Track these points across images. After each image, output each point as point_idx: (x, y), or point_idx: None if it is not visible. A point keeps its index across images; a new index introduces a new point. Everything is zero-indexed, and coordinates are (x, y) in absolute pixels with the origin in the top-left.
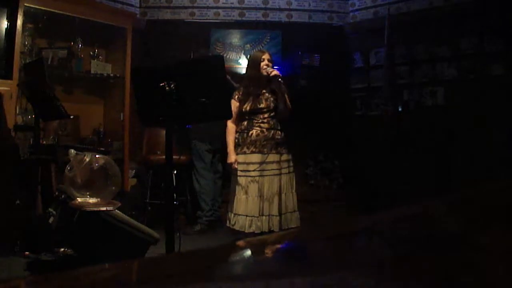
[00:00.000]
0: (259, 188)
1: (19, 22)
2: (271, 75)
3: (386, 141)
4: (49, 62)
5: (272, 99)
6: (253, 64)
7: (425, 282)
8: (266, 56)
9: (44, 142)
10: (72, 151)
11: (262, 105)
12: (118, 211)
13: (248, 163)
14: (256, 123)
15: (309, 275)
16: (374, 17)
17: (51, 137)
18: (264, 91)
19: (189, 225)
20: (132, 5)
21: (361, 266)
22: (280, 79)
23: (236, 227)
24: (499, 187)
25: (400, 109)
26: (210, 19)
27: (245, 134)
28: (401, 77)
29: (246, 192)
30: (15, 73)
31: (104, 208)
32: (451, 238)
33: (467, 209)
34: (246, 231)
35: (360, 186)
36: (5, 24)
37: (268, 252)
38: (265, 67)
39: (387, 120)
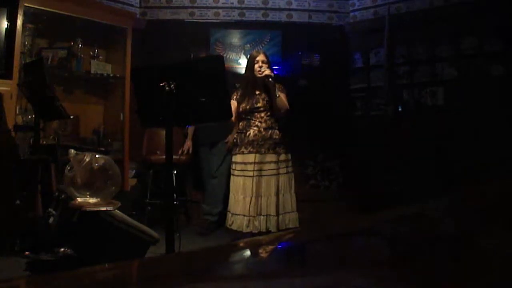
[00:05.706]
0: (256, 188)
1: (19, 22)
2: (262, 75)
3: (386, 141)
4: (49, 62)
5: (268, 98)
6: (249, 65)
7: (425, 282)
8: (260, 58)
9: (44, 142)
10: (72, 151)
11: (259, 105)
12: (118, 211)
13: (245, 163)
14: (254, 123)
15: (309, 275)
16: (374, 17)
17: (51, 137)
18: (261, 90)
19: (190, 224)
20: (132, 5)
21: (361, 266)
22: (271, 79)
23: (234, 227)
24: (498, 187)
25: (400, 109)
26: (210, 19)
27: (243, 135)
28: (401, 77)
29: (244, 192)
30: (15, 73)
31: (104, 208)
32: (450, 238)
33: (467, 209)
34: (243, 231)
35: (360, 186)
36: (5, 24)
37: (268, 252)
38: (258, 69)
39: (387, 120)
